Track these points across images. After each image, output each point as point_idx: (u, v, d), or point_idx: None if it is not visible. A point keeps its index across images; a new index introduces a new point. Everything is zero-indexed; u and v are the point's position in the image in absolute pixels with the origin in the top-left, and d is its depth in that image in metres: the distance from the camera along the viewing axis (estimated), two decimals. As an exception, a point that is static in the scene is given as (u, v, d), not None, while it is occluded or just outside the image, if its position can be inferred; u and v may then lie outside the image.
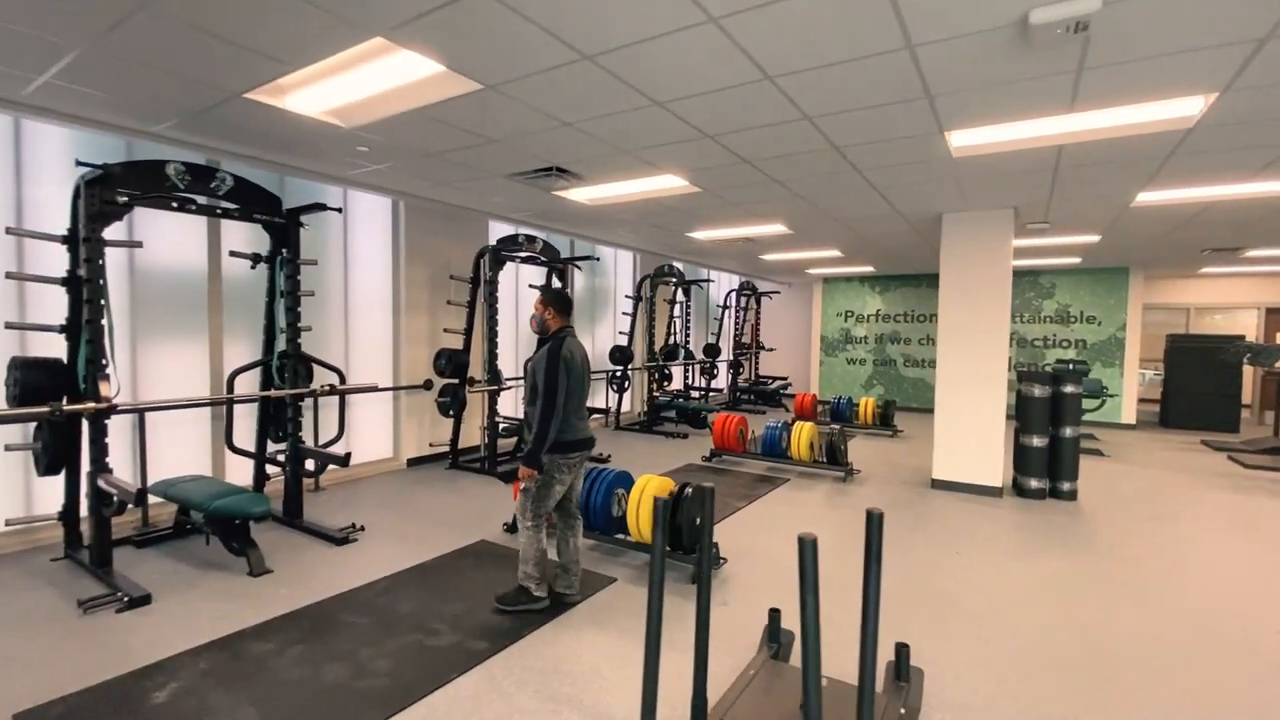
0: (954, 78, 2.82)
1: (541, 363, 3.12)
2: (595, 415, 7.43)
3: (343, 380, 4.85)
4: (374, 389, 5.01)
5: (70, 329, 3.62)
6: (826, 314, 12.40)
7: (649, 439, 8.10)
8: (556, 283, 6.91)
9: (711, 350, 10.54)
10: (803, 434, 6.27)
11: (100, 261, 3.43)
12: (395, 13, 2.30)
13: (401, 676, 2.59)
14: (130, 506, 3.27)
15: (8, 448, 3.48)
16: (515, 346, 7.74)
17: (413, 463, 6.36)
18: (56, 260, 3.69)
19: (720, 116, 3.35)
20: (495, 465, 6.03)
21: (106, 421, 3.47)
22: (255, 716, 2.30)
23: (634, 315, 8.85)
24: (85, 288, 3.40)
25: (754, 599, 3.37)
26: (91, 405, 3.33)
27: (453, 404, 6.15)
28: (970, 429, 5.71)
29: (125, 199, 3.46)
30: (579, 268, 6.92)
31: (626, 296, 8.92)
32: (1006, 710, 2.45)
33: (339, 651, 2.77)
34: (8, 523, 3.57)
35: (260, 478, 4.68)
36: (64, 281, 3.59)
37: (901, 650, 2.50)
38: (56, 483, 3.73)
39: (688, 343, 9.91)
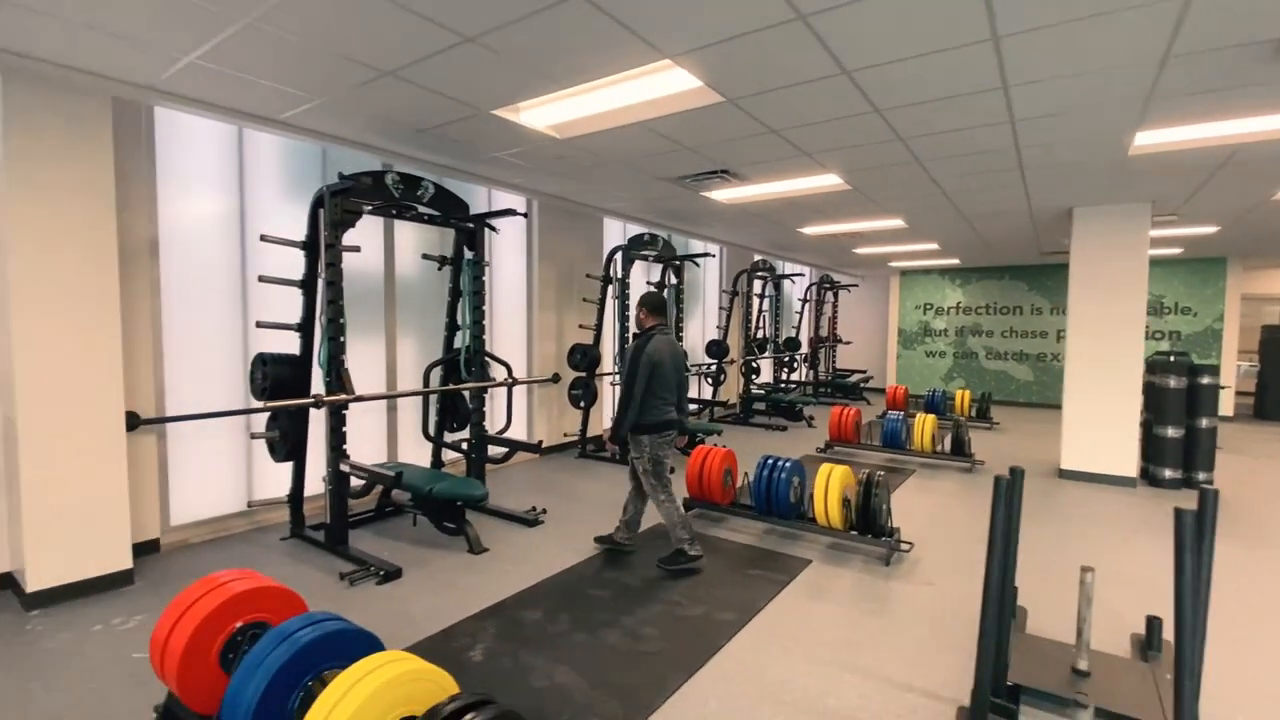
0: (1190, 82, 2.94)
1: (626, 357, 3.75)
2: (693, 406, 7.70)
3: (510, 374, 5.14)
4: (549, 380, 5.33)
5: (304, 327, 3.96)
6: (904, 307, 12.42)
7: (749, 431, 8.30)
8: (672, 279, 7.14)
9: (791, 344, 10.68)
10: (926, 425, 6.40)
11: (339, 265, 3.75)
12: (697, 38, 2.52)
13: (675, 641, 2.84)
14: (359, 488, 3.59)
15: (253, 436, 3.84)
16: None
17: (545, 452, 6.66)
18: (266, 263, 4.02)
19: (930, 119, 3.50)
20: (626, 454, 6.28)
21: (345, 411, 3.80)
22: (571, 673, 2.57)
23: (729, 309, 9.04)
24: (328, 289, 3.72)
25: (955, 580, 3.55)
26: (343, 396, 3.66)
27: (584, 396, 6.43)
28: (1102, 420, 5.78)
29: (366, 208, 3.77)
30: (696, 264, 7.13)
31: (724, 291, 9.11)
32: (1260, 683, 2.60)
33: (603, 620, 3.04)
34: (250, 505, 3.93)
35: (437, 464, 5.01)
36: (301, 284, 3.92)
37: (1153, 623, 2.66)
38: (265, 470, 4.10)
39: (777, 336, 10.07)
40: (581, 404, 6.46)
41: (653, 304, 3.79)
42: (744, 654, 2.76)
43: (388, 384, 5.22)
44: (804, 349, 11.15)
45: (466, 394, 4.68)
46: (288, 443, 3.91)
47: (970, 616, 2.99)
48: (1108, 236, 5.77)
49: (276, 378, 3.76)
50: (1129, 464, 5.69)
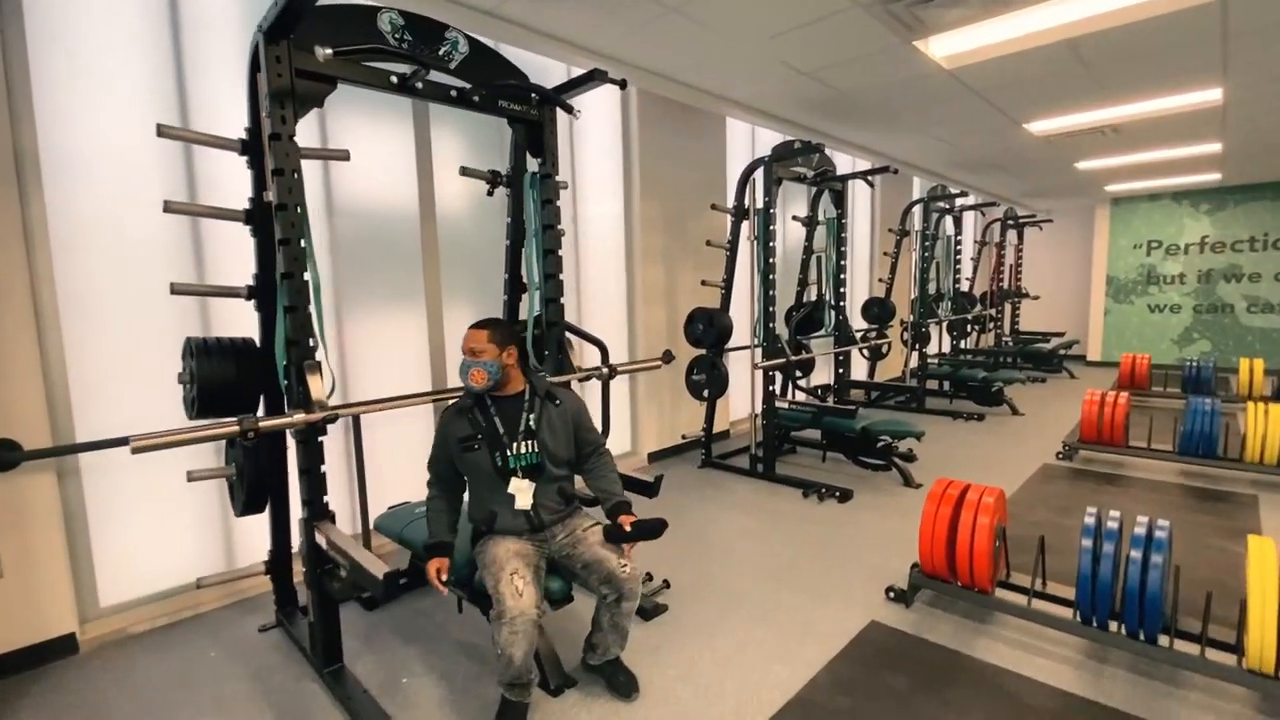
0: None
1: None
2: (821, 390, 5.55)
3: (605, 359, 3.33)
4: (658, 362, 3.44)
5: (260, 292, 2.33)
6: (1116, 246, 9.38)
7: (929, 424, 6.06)
8: (830, 210, 4.99)
9: (968, 301, 8.11)
10: (1272, 421, 3.94)
11: (297, 174, 2.04)
12: None
13: None
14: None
15: (190, 477, 2.25)
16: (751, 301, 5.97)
17: (654, 457, 4.88)
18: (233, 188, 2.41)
19: None
20: (772, 466, 4.36)
21: (322, 438, 2.14)
22: None
23: (896, 255, 6.71)
24: (277, 221, 2.03)
25: None
26: (299, 417, 1.98)
27: (711, 382, 4.53)
28: None
29: (328, 72, 2.02)
30: (870, 183, 4.93)
31: (890, 230, 6.77)
32: None
33: None
34: (199, 583, 2.41)
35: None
36: (247, 217, 2.27)
37: None
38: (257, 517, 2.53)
39: (956, 290, 7.59)
40: (705, 393, 4.58)
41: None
42: None
43: (434, 377, 3.59)
44: (979, 307, 8.52)
45: (539, 392, 2.92)
46: (245, 485, 2.32)
47: None
48: None
49: (210, 381, 2.16)
50: None
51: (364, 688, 2.14)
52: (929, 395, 6.82)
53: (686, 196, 4.86)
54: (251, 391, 2.28)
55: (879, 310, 6.58)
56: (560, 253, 2.84)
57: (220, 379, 2.18)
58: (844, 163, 6.25)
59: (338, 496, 3.04)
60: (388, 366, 3.42)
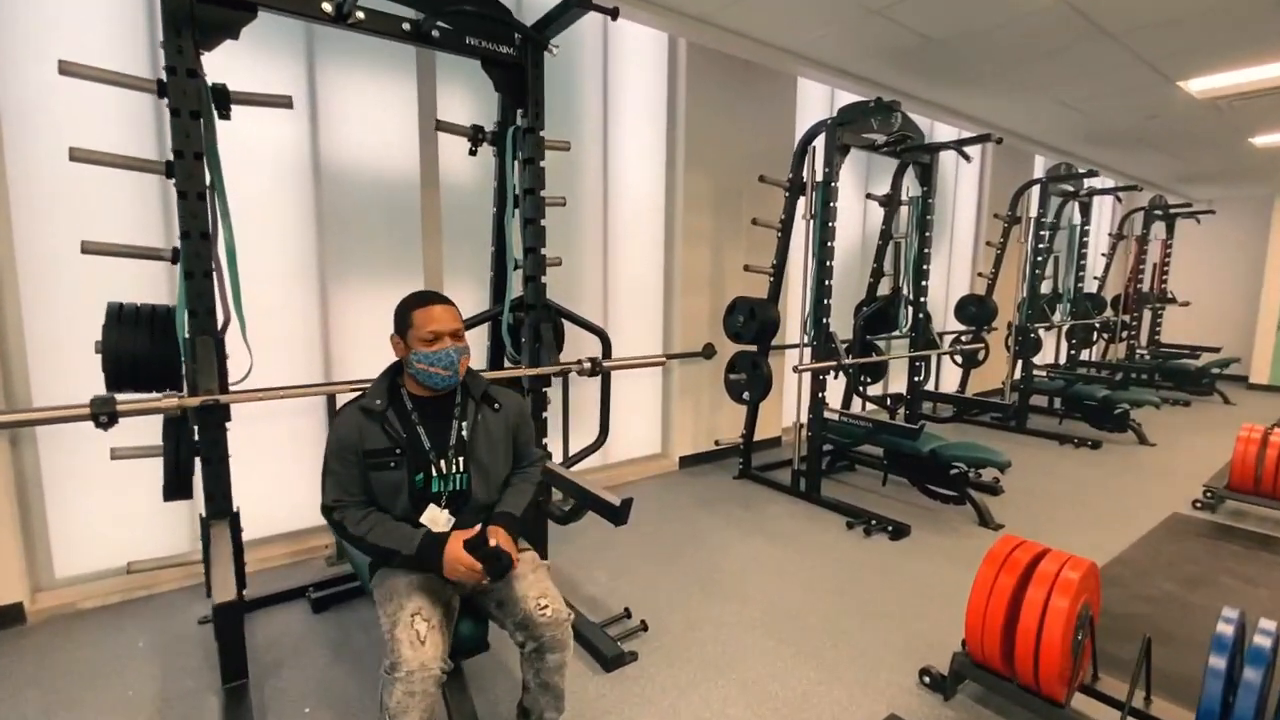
0: None
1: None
2: (892, 400, 4.71)
3: (608, 348, 2.88)
4: (657, 361, 2.94)
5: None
6: (1302, 244, 7.63)
7: (1030, 450, 5.10)
8: (914, 188, 4.21)
9: (1089, 304, 6.84)
10: None
11: (198, 115, 1.74)
12: None
13: None
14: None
15: (114, 455, 2.06)
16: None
17: (686, 462, 4.38)
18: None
19: None
20: (816, 485, 3.74)
21: (226, 425, 1.85)
22: None
23: (1002, 246, 5.71)
24: (177, 170, 1.74)
25: None
26: (169, 402, 1.70)
27: (751, 383, 3.95)
28: None
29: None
30: (967, 157, 4.09)
31: (995, 216, 5.77)
32: None
33: None
34: (130, 568, 2.24)
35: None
36: (169, 169, 2.01)
37: None
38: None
39: (1077, 290, 6.40)
40: (745, 396, 4.01)
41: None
42: None
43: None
44: (1109, 312, 7.18)
45: (525, 384, 2.53)
46: (165, 468, 2.09)
47: None
48: None
49: (118, 351, 1.93)
50: None
51: (252, 717, 1.84)
52: (1033, 413, 5.78)
53: (743, 171, 4.25)
54: (170, 366, 2.03)
55: (977, 309, 5.65)
56: (542, 221, 2.41)
57: (130, 351, 1.94)
58: (945, 134, 5.35)
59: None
60: (378, 350, 3.16)
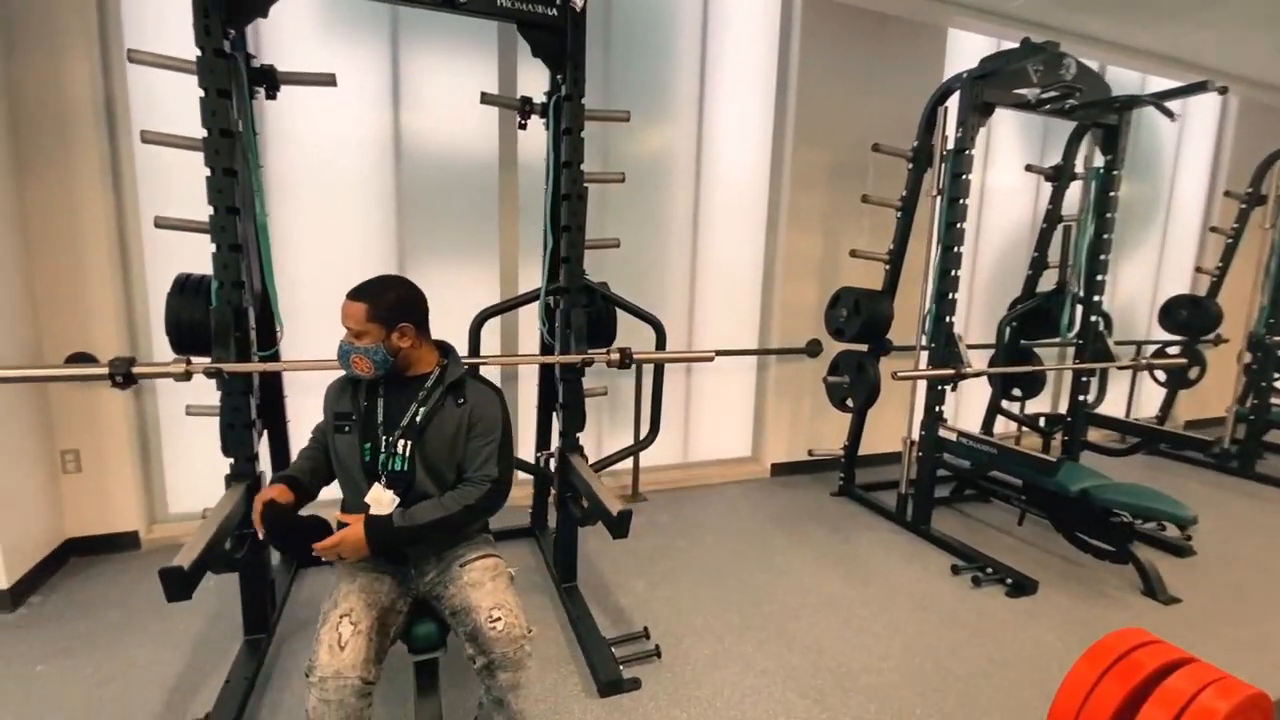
0: None
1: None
2: (1046, 422, 3.66)
3: (662, 339, 2.62)
4: (705, 356, 2.59)
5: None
6: None
7: (1256, 494, 3.87)
8: (1098, 158, 3.32)
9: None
10: None
11: (226, 95, 1.79)
12: None
13: None
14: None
15: (189, 411, 2.27)
16: (969, 287, 4.45)
17: (779, 470, 3.95)
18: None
19: None
20: (926, 515, 3.13)
21: (249, 392, 1.93)
22: None
23: (1236, 234, 4.36)
24: (204, 145, 1.82)
25: None
26: (177, 368, 1.78)
27: (855, 388, 3.43)
28: None
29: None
30: (1171, 115, 3.09)
31: (1227, 194, 4.41)
32: None
33: None
34: (204, 515, 2.48)
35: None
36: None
37: None
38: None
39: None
40: (848, 402, 3.49)
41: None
42: None
43: (503, 340, 3.28)
44: None
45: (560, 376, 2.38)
46: (221, 428, 2.26)
47: None
48: None
49: (179, 317, 2.09)
50: None
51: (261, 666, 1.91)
52: (1270, 453, 4.39)
53: (869, 145, 3.67)
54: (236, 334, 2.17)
55: (1190, 314, 4.42)
56: (585, 198, 2.21)
57: (189, 319, 2.10)
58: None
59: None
60: (447, 330, 3.20)
